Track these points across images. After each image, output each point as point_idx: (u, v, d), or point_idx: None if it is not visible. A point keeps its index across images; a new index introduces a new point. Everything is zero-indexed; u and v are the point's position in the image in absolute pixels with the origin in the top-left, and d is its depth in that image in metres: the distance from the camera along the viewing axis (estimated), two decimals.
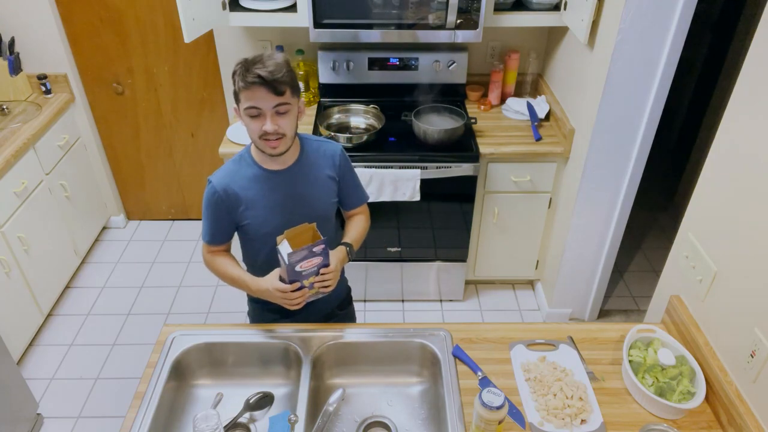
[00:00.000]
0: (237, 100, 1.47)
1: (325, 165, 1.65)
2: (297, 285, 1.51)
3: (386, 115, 2.69)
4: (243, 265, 1.71)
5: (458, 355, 1.57)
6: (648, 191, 3.13)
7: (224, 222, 1.61)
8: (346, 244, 1.69)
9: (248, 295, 1.79)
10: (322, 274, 1.54)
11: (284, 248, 1.48)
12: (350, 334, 1.63)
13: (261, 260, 1.67)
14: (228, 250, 1.69)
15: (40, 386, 2.60)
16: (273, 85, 1.40)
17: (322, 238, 1.50)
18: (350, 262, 2.86)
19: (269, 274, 1.57)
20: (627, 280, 3.22)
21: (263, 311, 1.76)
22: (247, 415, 1.52)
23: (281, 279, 1.54)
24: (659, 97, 2.21)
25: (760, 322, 1.31)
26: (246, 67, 1.41)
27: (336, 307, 1.87)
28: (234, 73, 1.44)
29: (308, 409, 1.45)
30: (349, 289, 1.95)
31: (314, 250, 1.46)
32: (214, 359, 1.63)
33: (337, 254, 1.62)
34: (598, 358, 1.58)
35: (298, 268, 1.48)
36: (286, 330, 1.64)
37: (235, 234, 1.68)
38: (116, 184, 3.49)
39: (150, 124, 3.26)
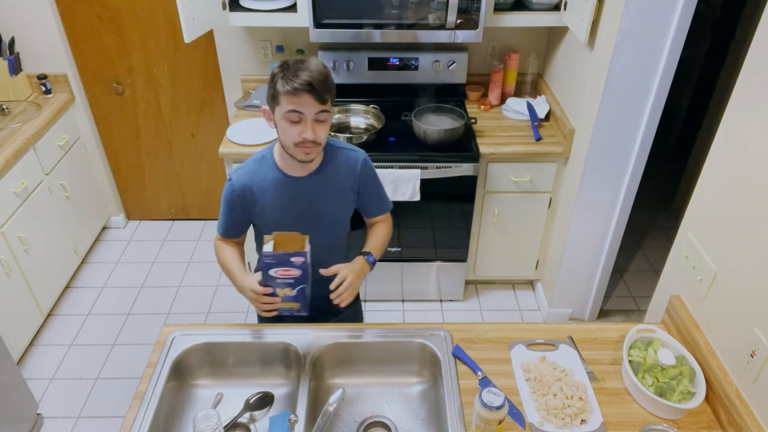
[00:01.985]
0: (274, 102, 1.45)
1: (346, 174, 1.64)
2: (269, 290, 1.48)
3: (386, 115, 2.69)
4: (255, 255, 1.75)
5: (458, 355, 1.57)
6: (648, 191, 3.13)
7: (239, 219, 1.64)
8: (365, 253, 1.67)
9: None
10: (335, 289, 1.53)
11: (267, 247, 1.47)
12: (350, 334, 1.63)
13: None
14: (241, 243, 1.73)
15: (40, 386, 2.60)
16: (319, 93, 1.40)
17: (305, 250, 1.44)
18: None
19: (256, 273, 1.56)
20: (627, 280, 3.22)
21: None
22: (247, 415, 1.52)
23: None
24: (659, 97, 2.21)
25: (760, 322, 1.31)
26: (293, 71, 1.40)
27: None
28: (275, 76, 1.42)
29: (308, 409, 1.45)
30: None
31: (292, 259, 1.43)
32: (214, 359, 1.63)
33: (353, 266, 1.60)
34: (598, 358, 1.58)
35: (271, 273, 1.45)
36: (286, 330, 1.64)
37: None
38: (116, 184, 3.49)
39: (150, 124, 3.26)
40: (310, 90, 1.39)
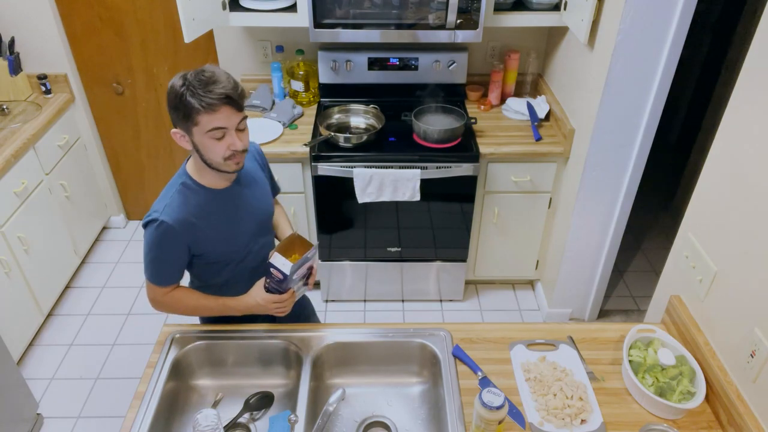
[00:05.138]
0: (190, 123, 1.35)
1: (256, 166, 1.68)
2: (292, 291, 1.56)
3: (386, 115, 2.69)
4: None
5: (458, 355, 1.57)
6: (648, 191, 3.13)
7: (183, 258, 1.53)
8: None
9: (203, 319, 1.75)
10: (311, 274, 1.64)
11: (280, 261, 1.49)
12: (350, 334, 1.63)
13: (221, 281, 1.63)
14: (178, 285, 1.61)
15: (40, 386, 2.60)
16: (237, 102, 1.36)
17: (313, 244, 1.57)
18: (351, 262, 2.87)
19: (253, 289, 1.58)
20: (627, 280, 3.22)
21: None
22: (247, 415, 1.52)
23: (267, 289, 1.56)
24: (659, 97, 2.21)
25: (760, 322, 1.31)
26: (202, 85, 1.31)
27: None
28: (181, 95, 1.32)
29: (308, 409, 1.45)
30: None
31: (308, 255, 1.54)
32: (214, 359, 1.63)
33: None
34: (598, 358, 1.58)
35: (295, 277, 1.52)
36: (286, 330, 1.64)
37: None
38: (116, 184, 3.49)
39: (150, 124, 3.26)
40: (228, 102, 1.33)
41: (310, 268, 1.62)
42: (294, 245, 1.59)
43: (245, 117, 1.43)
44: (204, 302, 1.59)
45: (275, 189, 1.82)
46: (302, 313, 1.91)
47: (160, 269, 1.52)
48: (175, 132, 1.42)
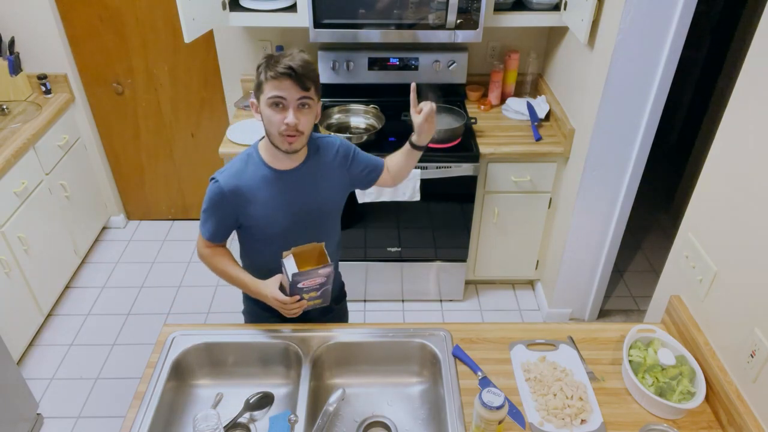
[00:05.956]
0: (259, 91, 1.47)
1: (331, 160, 1.66)
2: (297, 298, 1.53)
3: (386, 115, 2.69)
4: (239, 261, 1.72)
5: (458, 355, 1.57)
6: (648, 191, 3.13)
7: (228, 221, 1.61)
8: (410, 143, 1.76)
9: (244, 293, 1.80)
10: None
11: (290, 265, 1.49)
12: (350, 334, 1.63)
13: (262, 261, 1.67)
14: (225, 245, 1.70)
15: (40, 386, 2.60)
16: (301, 79, 1.42)
17: (329, 261, 1.53)
18: (351, 262, 2.87)
19: (270, 280, 1.58)
20: (627, 280, 3.22)
21: (260, 310, 1.76)
22: (247, 415, 1.52)
23: (281, 287, 1.55)
24: (659, 97, 2.21)
25: (760, 322, 1.31)
26: (275, 59, 1.43)
27: (333, 301, 1.88)
28: (259, 66, 1.46)
29: (308, 409, 1.45)
30: (342, 284, 1.97)
31: (320, 272, 1.49)
32: (214, 359, 1.63)
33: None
34: (598, 358, 1.58)
35: (300, 285, 1.50)
36: (286, 330, 1.64)
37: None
38: (116, 184, 3.49)
39: (150, 124, 3.26)
40: (291, 75, 1.40)
41: (324, 285, 1.56)
42: (313, 255, 1.56)
43: (308, 97, 1.45)
44: (230, 270, 1.65)
45: (376, 171, 1.77)
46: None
47: (206, 223, 1.62)
48: (252, 102, 1.53)
